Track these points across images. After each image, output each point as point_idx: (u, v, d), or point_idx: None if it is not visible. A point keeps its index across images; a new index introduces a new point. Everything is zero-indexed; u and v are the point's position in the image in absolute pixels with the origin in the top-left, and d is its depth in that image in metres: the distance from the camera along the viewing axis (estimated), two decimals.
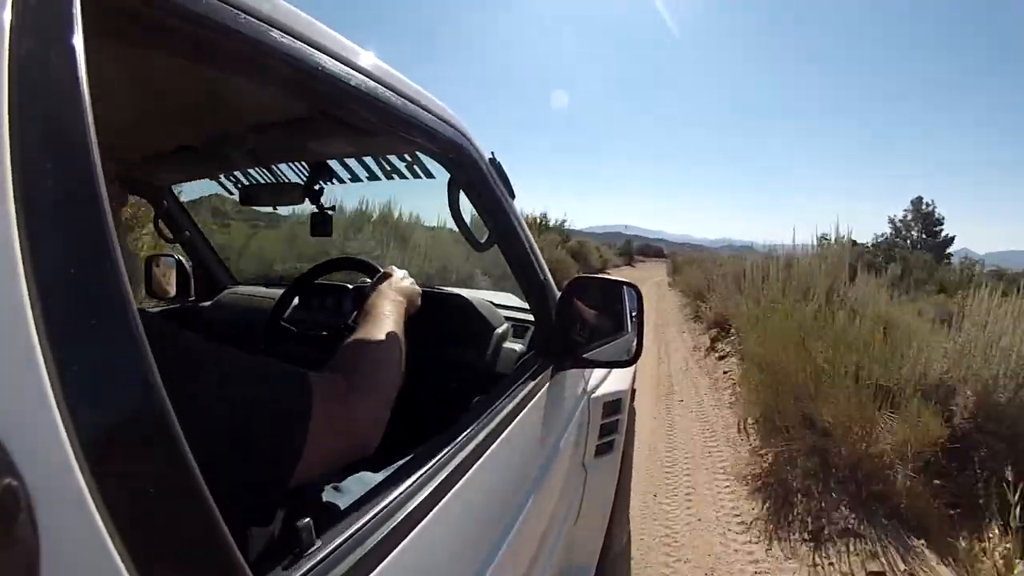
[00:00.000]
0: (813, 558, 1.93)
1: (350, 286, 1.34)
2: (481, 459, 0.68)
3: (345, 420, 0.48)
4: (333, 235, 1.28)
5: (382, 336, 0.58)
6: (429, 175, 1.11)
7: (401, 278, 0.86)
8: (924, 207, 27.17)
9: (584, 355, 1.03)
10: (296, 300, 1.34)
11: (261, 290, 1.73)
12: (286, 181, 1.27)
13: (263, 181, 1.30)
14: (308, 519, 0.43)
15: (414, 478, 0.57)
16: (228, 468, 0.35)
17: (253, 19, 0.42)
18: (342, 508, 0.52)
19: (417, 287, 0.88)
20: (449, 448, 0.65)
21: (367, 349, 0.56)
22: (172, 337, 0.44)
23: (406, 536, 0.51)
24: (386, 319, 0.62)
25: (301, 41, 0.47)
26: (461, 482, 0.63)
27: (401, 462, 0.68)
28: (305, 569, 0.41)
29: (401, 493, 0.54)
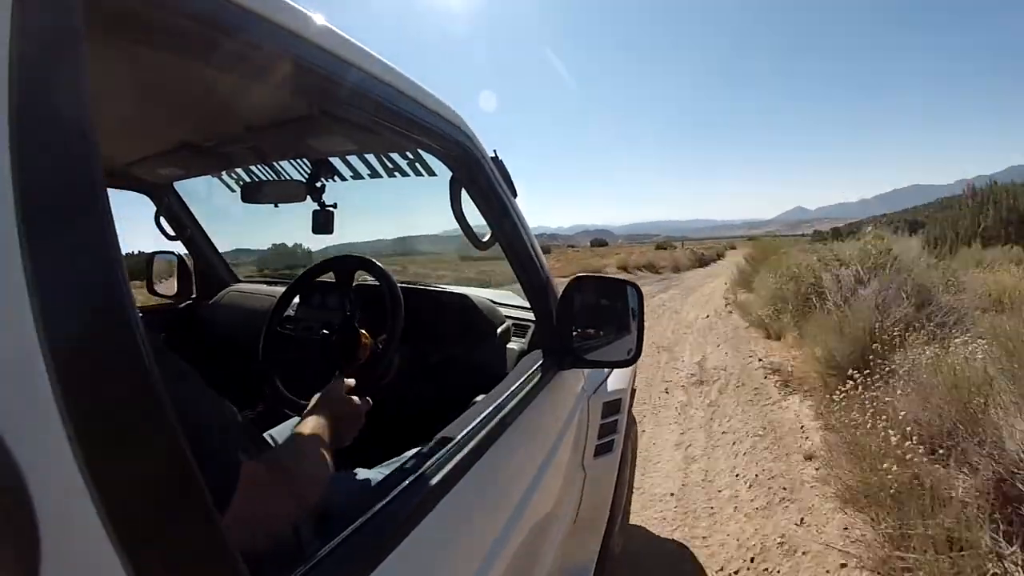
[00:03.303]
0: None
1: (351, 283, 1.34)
2: (481, 458, 0.68)
3: (265, 516, 0.47)
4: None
5: (311, 445, 0.64)
6: (431, 173, 1.11)
7: (342, 401, 0.77)
8: None
9: (585, 355, 1.03)
10: (297, 299, 1.34)
11: (263, 288, 1.73)
12: (288, 178, 1.27)
13: (265, 178, 1.30)
14: (307, 518, 0.43)
15: (413, 477, 0.57)
16: None
17: (255, 17, 0.42)
18: (341, 507, 0.52)
19: (356, 411, 0.77)
20: (449, 447, 0.65)
21: (301, 453, 0.62)
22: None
23: (406, 536, 0.51)
24: (314, 436, 0.66)
25: (304, 39, 0.47)
26: (461, 481, 0.62)
27: (401, 461, 0.68)
28: (304, 568, 0.41)
29: (400, 492, 0.54)
